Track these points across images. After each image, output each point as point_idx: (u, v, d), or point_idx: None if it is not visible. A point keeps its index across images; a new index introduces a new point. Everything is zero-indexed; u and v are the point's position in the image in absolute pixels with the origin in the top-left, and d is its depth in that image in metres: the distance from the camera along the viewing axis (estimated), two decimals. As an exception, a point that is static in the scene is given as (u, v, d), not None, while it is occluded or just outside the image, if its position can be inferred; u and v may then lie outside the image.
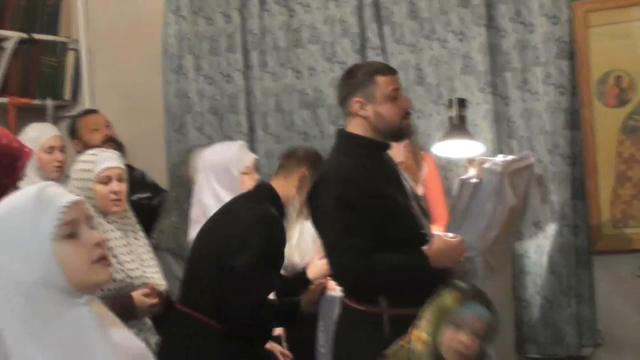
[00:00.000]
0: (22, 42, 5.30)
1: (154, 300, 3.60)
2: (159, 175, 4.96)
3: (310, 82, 5.01)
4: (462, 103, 4.27)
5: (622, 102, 4.48)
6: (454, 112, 4.24)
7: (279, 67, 5.08)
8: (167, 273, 4.22)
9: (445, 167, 4.69)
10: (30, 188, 1.95)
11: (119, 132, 5.00)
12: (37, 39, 5.38)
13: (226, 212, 3.63)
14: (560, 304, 4.49)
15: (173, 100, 5.23)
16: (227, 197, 4.16)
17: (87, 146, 4.45)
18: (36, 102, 5.37)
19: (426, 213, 3.58)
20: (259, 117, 5.12)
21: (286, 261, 3.71)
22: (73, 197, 1.93)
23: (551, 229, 4.52)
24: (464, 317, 2.85)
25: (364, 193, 3.25)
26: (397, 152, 4.09)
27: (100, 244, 1.93)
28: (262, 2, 5.11)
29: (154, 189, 4.91)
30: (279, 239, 3.49)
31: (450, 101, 4.31)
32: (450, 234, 3.46)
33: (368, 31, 4.88)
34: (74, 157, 4.27)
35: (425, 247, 3.28)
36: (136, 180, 4.65)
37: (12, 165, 3.42)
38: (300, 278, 3.81)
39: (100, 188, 3.60)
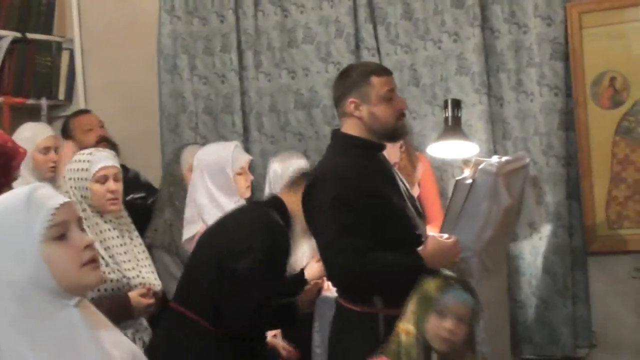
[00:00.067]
0: (16, 41, 5.28)
1: (151, 301, 3.60)
2: (154, 175, 4.96)
3: (305, 83, 5.01)
4: (456, 104, 4.27)
5: (616, 103, 4.49)
6: (448, 112, 4.24)
7: (274, 68, 5.08)
8: (162, 271, 4.23)
9: (440, 168, 4.69)
10: (21, 189, 1.94)
11: (113, 132, 5.00)
12: (32, 38, 5.38)
13: (232, 216, 3.62)
14: (555, 304, 4.49)
15: (168, 100, 5.22)
16: (221, 197, 4.16)
17: (81, 147, 4.44)
18: (30, 101, 5.36)
19: (421, 214, 3.58)
20: (254, 117, 5.11)
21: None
22: (63, 199, 1.93)
23: (546, 229, 4.53)
24: (447, 304, 2.86)
25: (360, 193, 3.25)
26: (392, 152, 4.09)
27: (90, 246, 1.93)
28: (256, 2, 5.11)
29: (148, 189, 4.90)
30: (284, 247, 3.47)
31: (445, 102, 4.31)
32: (445, 235, 3.46)
33: (363, 31, 4.88)
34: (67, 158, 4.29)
35: (420, 248, 3.28)
36: (130, 180, 4.65)
37: (7, 165, 3.42)
38: (297, 278, 3.80)
39: (97, 187, 3.60)
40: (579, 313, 4.52)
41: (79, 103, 5.51)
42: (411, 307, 2.90)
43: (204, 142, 4.99)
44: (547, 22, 4.53)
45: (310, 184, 3.41)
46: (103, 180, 3.61)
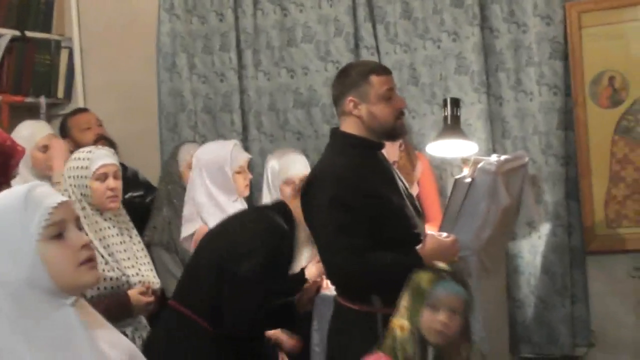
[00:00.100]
0: (15, 39, 5.28)
1: (150, 299, 3.61)
2: (153, 173, 4.95)
3: (304, 82, 5.00)
4: (456, 103, 4.27)
5: (615, 102, 4.49)
6: (448, 111, 4.24)
7: (273, 66, 5.07)
8: (161, 268, 4.23)
9: (440, 167, 4.69)
10: (19, 187, 1.94)
11: (112, 130, 5.00)
12: (31, 36, 5.37)
13: (235, 218, 3.60)
14: (554, 304, 4.49)
15: (167, 99, 5.22)
16: (220, 196, 4.16)
17: (78, 145, 4.44)
18: (29, 100, 5.35)
19: (420, 213, 3.58)
20: (253, 116, 5.11)
21: None
22: (61, 198, 1.92)
23: (545, 229, 4.52)
24: (439, 297, 2.85)
25: (358, 192, 3.25)
26: (392, 151, 4.09)
27: (87, 246, 1.92)
28: (255, 1, 5.10)
29: (147, 187, 4.90)
30: (286, 252, 3.46)
31: (445, 101, 4.31)
32: (444, 234, 3.46)
33: (362, 30, 4.88)
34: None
35: (419, 247, 3.28)
36: (129, 179, 4.65)
37: (5, 164, 3.42)
38: (296, 278, 3.80)
39: (97, 185, 3.60)
40: (578, 312, 4.52)
41: (78, 101, 5.50)
42: (404, 302, 2.90)
43: (203, 140, 4.99)
44: (547, 22, 4.53)
45: (309, 184, 3.41)
46: (103, 177, 3.62)
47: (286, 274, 3.49)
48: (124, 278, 3.57)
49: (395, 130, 3.44)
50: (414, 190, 4.22)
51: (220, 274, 3.35)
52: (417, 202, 3.61)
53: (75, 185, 3.62)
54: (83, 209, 3.58)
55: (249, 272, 3.29)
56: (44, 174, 4.42)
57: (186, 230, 4.21)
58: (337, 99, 3.44)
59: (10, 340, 1.83)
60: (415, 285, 2.90)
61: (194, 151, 4.51)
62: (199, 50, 5.21)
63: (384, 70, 3.47)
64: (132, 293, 3.57)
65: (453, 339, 2.86)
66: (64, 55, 5.54)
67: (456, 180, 3.86)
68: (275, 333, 3.83)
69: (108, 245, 3.59)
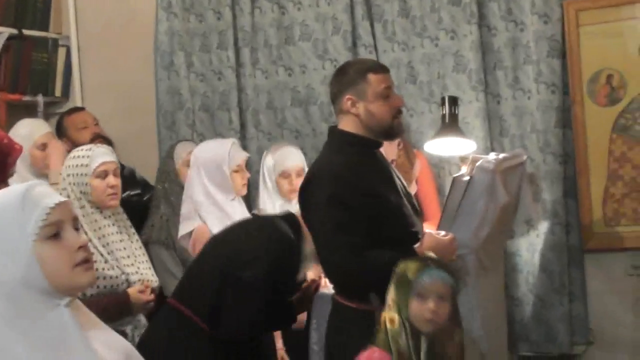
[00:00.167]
0: (12, 38, 5.27)
1: (150, 297, 3.61)
2: (151, 172, 4.94)
3: (301, 80, 5.00)
4: (454, 101, 4.26)
5: (613, 100, 4.48)
6: (445, 110, 4.23)
7: (271, 65, 5.07)
8: (159, 266, 4.22)
9: (438, 165, 4.69)
10: (17, 186, 1.94)
11: (110, 129, 5.00)
12: (28, 35, 5.36)
13: (240, 225, 3.56)
14: (552, 302, 4.49)
15: (164, 97, 5.21)
16: (217, 194, 4.16)
17: (75, 145, 4.44)
18: (27, 98, 5.34)
19: (418, 211, 3.58)
20: (251, 114, 5.11)
21: None
22: (59, 198, 1.92)
23: (543, 227, 4.52)
24: (425, 285, 2.86)
25: (356, 191, 3.25)
26: (390, 150, 4.09)
27: (84, 247, 1.92)
28: (253, -1, 5.11)
29: (144, 186, 4.90)
30: (291, 261, 3.41)
31: (442, 99, 4.31)
32: (442, 232, 3.46)
33: (359, 29, 4.87)
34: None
35: (417, 245, 3.28)
36: (126, 177, 4.63)
37: (2, 162, 3.42)
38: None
39: (97, 183, 3.61)
40: (576, 310, 4.52)
41: (76, 100, 5.50)
42: (391, 295, 2.91)
43: (201, 139, 4.99)
44: (544, 20, 4.53)
45: (307, 182, 3.41)
46: (103, 175, 3.63)
47: (290, 284, 3.45)
48: (123, 276, 3.57)
49: (393, 129, 3.44)
50: (413, 189, 4.22)
51: (224, 279, 3.31)
52: (415, 201, 3.61)
53: (74, 184, 3.62)
54: (82, 207, 3.58)
55: (252, 279, 3.25)
56: (43, 172, 4.42)
57: (184, 229, 4.20)
58: (335, 97, 3.44)
59: (5, 339, 1.82)
60: (400, 277, 2.91)
61: (190, 149, 4.51)
62: (196, 48, 5.20)
63: (381, 68, 3.47)
64: (132, 291, 3.57)
65: (444, 326, 2.88)
66: (61, 54, 5.53)
67: (454, 179, 3.86)
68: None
69: (107, 244, 3.59)
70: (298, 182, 4.26)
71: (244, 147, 4.80)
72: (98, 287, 3.45)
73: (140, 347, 2.88)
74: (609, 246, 4.47)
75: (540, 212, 4.50)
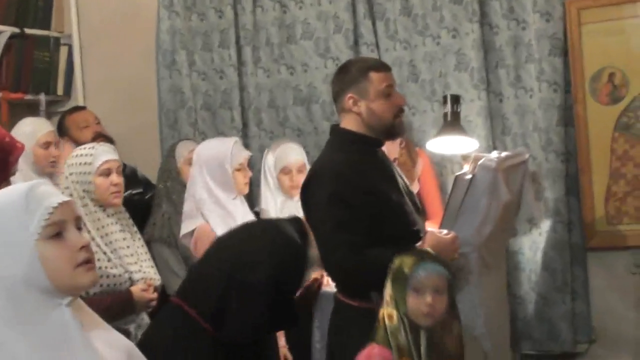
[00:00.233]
0: (14, 36, 5.27)
1: (153, 296, 3.61)
2: (153, 171, 4.94)
3: (303, 78, 5.00)
4: (456, 99, 4.26)
5: (615, 99, 4.48)
6: (448, 108, 4.23)
7: (272, 63, 5.07)
8: (162, 264, 4.23)
9: (440, 164, 4.69)
10: (22, 185, 1.94)
11: (112, 127, 5.00)
12: (30, 33, 5.36)
13: (246, 227, 3.54)
14: (555, 300, 4.49)
15: (166, 95, 5.21)
16: (219, 192, 4.16)
17: (77, 144, 4.44)
18: (29, 97, 5.34)
19: (420, 210, 3.58)
20: (253, 112, 5.11)
21: None
22: (63, 198, 1.92)
23: (545, 225, 4.52)
24: (421, 279, 2.87)
25: (357, 189, 3.25)
26: (392, 148, 4.09)
27: (86, 247, 1.92)
28: (254, -3, 5.11)
29: (146, 184, 4.90)
30: (296, 265, 3.40)
31: (444, 98, 4.31)
32: (444, 230, 3.46)
33: (361, 27, 4.87)
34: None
35: (418, 244, 3.28)
36: (128, 176, 4.63)
37: (4, 160, 3.42)
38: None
39: (101, 181, 3.61)
40: (578, 309, 4.52)
41: (78, 98, 5.50)
42: (388, 291, 2.92)
43: (203, 137, 4.99)
44: (546, 18, 4.52)
45: (308, 180, 3.41)
46: (107, 173, 3.63)
47: (295, 288, 3.42)
48: (126, 275, 3.57)
49: (394, 128, 3.44)
50: (415, 188, 4.22)
51: (228, 282, 3.30)
52: (417, 199, 3.61)
53: (77, 182, 3.62)
54: (85, 205, 3.58)
55: (255, 282, 3.23)
56: (46, 170, 4.42)
57: (186, 227, 4.20)
58: (337, 96, 3.44)
59: (5, 337, 1.82)
60: (396, 272, 2.92)
61: (191, 147, 4.52)
62: (198, 47, 5.20)
63: (383, 67, 3.47)
64: (135, 290, 3.57)
65: (442, 319, 2.88)
66: (63, 52, 5.53)
67: (456, 177, 3.85)
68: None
69: (110, 242, 3.60)
70: (299, 177, 4.28)
71: (246, 146, 4.80)
72: (101, 285, 3.45)
73: (143, 344, 2.87)
74: (612, 244, 4.47)
75: (543, 210, 4.50)
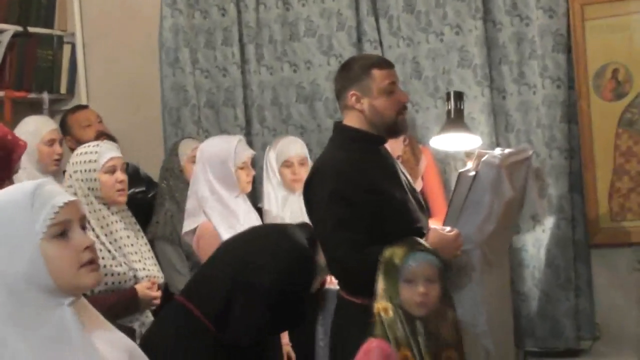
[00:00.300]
0: (17, 35, 5.27)
1: (157, 294, 3.61)
2: (156, 169, 4.93)
3: (306, 76, 5.00)
4: (459, 96, 4.26)
5: (619, 95, 4.48)
6: (451, 105, 4.23)
7: (276, 61, 5.07)
8: (165, 262, 4.23)
9: (443, 161, 4.69)
10: (27, 184, 1.94)
11: (115, 125, 5.00)
12: (33, 32, 5.36)
13: (255, 230, 3.53)
14: (558, 297, 4.49)
15: (170, 93, 5.21)
16: (222, 190, 4.15)
17: (79, 143, 4.44)
18: (32, 95, 5.35)
19: (423, 207, 3.57)
20: (256, 110, 5.11)
21: None
22: (69, 197, 1.92)
23: (549, 222, 4.52)
24: (412, 269, 2.90)
25: (358, 187, 3.25)
26: (396, 146, 4.09)
27: (90, 248, 1.92)
28: (257, -5, 5.10)
29: (149, 183, 4.90)
30: (303, 269, 3.38)
31: (448, 94, 4.31)
32: (447, 228, 3.46)
33: (364, 24, 4.87)
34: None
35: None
36: (130, 175, 4.62)
37: (7, 158, 3.42)
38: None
39: (106, 178, 3.61)
40: (582, 305, 4.51)
41: (81, 97, 5.50)
42: (380, 284, 2.93)
43: (206, 135, 4.99)
44: (549, 14, 4.52)
45: (310, 178, 3.40)
46: (112, 170, 3.64)
47: (302, 293, 3.40)
48: (131, 273, 3.57)
49: (397, 125, 3.44)
50: (418, 185, 4.22)
51: (234, 285, 3.28)
52: (420, 197, 3.60)
53: (82, 180, 3.62)
54: (90, 203, 3.58)
55: (260, 286, 3.21)
56: (49, 168, 4.43)
57: (188, 225, 4.19)
58: (340, 93, 3.44)
59: (5, 335, 1.82)
60: (386, 264, 2.93)
61: (194, 145, 4.52)
62: (201, 45, 5.20)
63: (386, 64, 3.47)
64: (140, 288, 3.58)
65: (436, 307, 2.90)
66: (66, 51, 5.53)
67: (460, 174, 3.85)
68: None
69: (115, 240, 3.60)
70: (301, 170, 4.29)
71: (249, 144, 4.79)
72: (106, 283, 3.46)
73: (146, 342, 2.87)
74: (615, 241, 4.46)
75: (546, 207, 4.50)
